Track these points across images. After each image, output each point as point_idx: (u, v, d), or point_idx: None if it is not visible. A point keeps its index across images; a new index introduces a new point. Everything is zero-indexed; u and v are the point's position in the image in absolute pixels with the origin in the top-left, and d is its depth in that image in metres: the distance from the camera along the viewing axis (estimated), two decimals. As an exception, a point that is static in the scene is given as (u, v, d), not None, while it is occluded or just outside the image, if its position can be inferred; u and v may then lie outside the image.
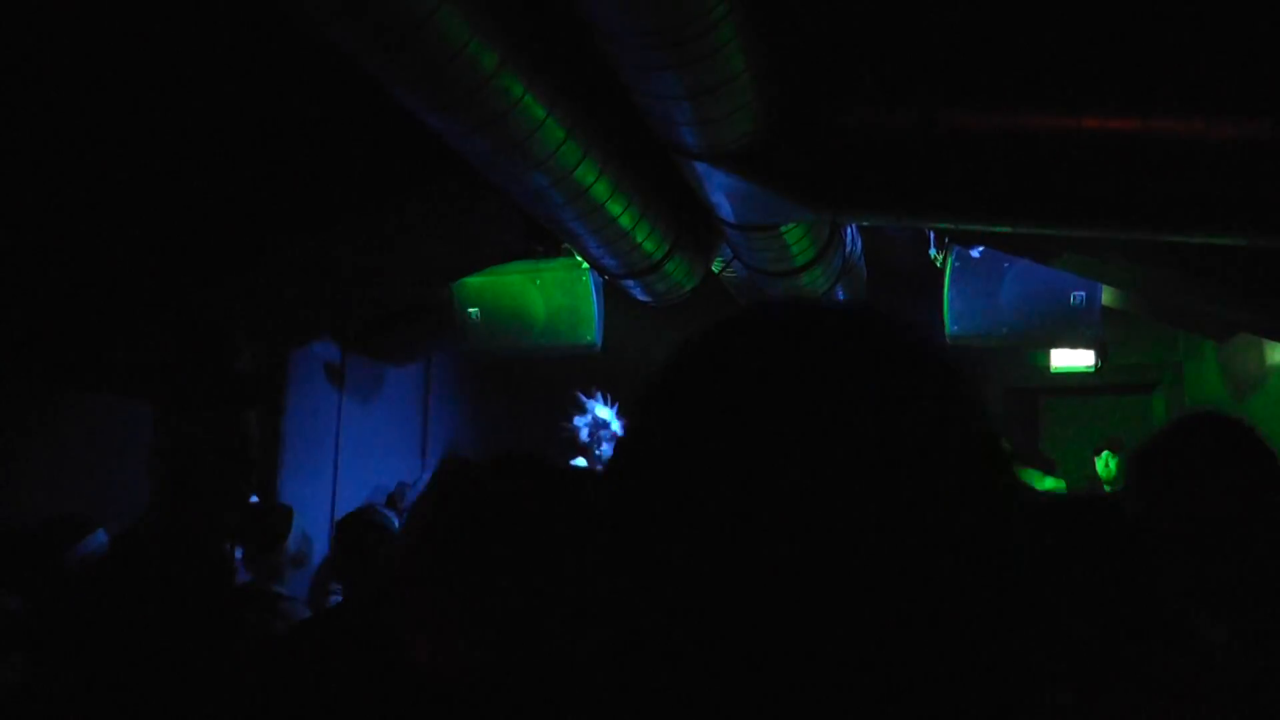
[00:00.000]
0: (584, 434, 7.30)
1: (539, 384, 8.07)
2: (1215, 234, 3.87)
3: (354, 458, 7.70)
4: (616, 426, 7.32)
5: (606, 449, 7.17)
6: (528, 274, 7.15)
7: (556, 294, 7.14)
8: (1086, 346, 7.10)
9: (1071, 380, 8.22)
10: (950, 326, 6.59)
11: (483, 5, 3.42)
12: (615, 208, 4.75)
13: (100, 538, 4.43)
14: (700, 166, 4.14)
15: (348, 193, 5.16)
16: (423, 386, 8.61)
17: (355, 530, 4.33)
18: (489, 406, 9.15)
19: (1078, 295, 6.24)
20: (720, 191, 4.33)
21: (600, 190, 4.56)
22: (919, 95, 3.87)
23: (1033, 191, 3.92)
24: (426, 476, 8.07)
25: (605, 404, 7.38)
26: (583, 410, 7.35)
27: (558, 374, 8.05)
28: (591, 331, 7.10)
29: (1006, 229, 4.26)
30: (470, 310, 7.37)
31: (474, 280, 7.26)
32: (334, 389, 7.66)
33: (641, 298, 5.97)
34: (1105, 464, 7.48)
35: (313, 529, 6.83)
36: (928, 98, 3.85)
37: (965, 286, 6.49)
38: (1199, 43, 3.51)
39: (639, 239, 5.10)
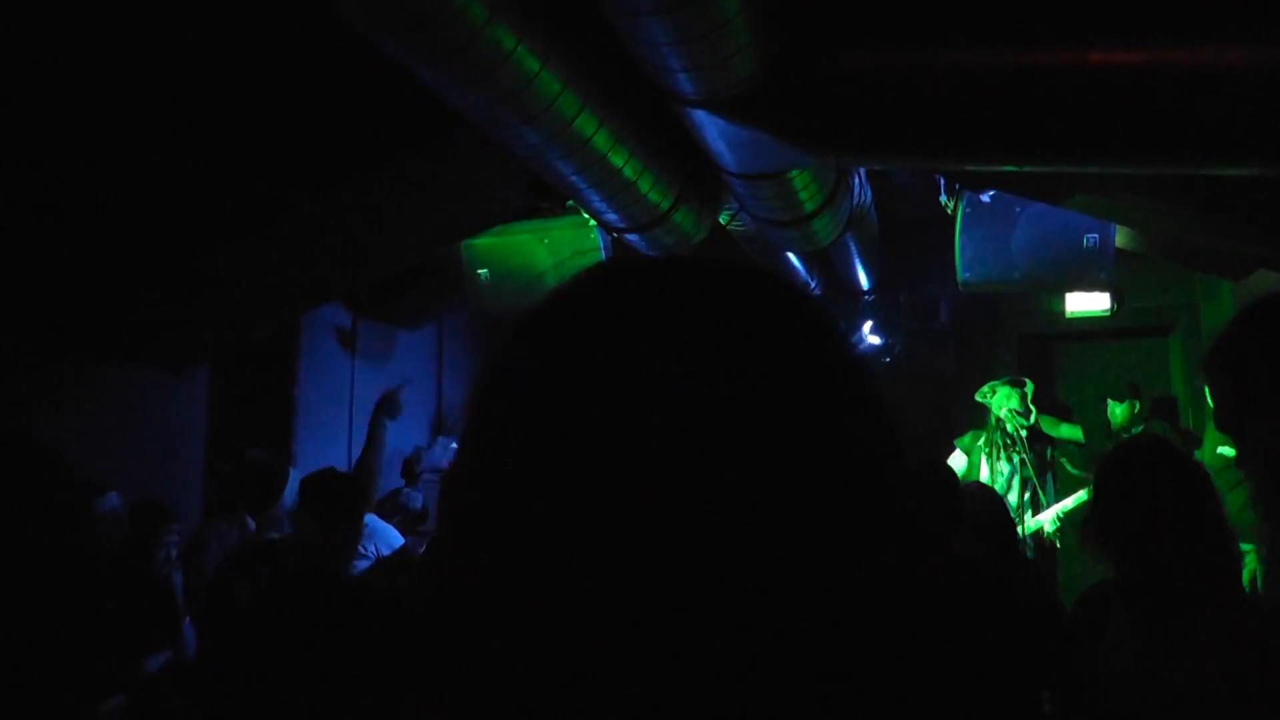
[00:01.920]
0: None
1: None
2: (1230, 165, 3.80)
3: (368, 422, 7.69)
4: None
5: None
6: (535, 233, 7.10)
7: (565, 251, 7.09)
8: (1101, 289, 7.03)
9: (1087, 325, 8.15)
10: (962, 273, 6.53)
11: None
12: (617, 159, 4.69)
13: (112, 500, 4.50)
14: (699, 114, 4.08)
15: (348, 156, 5.13)
16: (435, 349, 8.60)
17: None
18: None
19: (1091, 238, 6.16)
20: (721, 139, 4.27)
21: (601, 142, 4.50)
22: (919, 35, 3.80)
23: (1039, 128, 3.85)
24: (442, 442, 8.08)
25: None
26: None
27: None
28: (600, 288, 7.05)
29: (1013, 168, 4.20)
30: (479, 271, 7.33)
31: (481, 241, 7.22)
32: (346, 353, 7.66)
33: (648, 253, 5.92)
34: (1130, 409, 7.42)
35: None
36: (928, 38, 3.78)
37: (977, 232, 6.41)
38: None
39: (643, 190, 5.04)
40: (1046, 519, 6.83)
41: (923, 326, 8.69)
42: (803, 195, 5.11)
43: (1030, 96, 3.78)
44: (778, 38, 3.78)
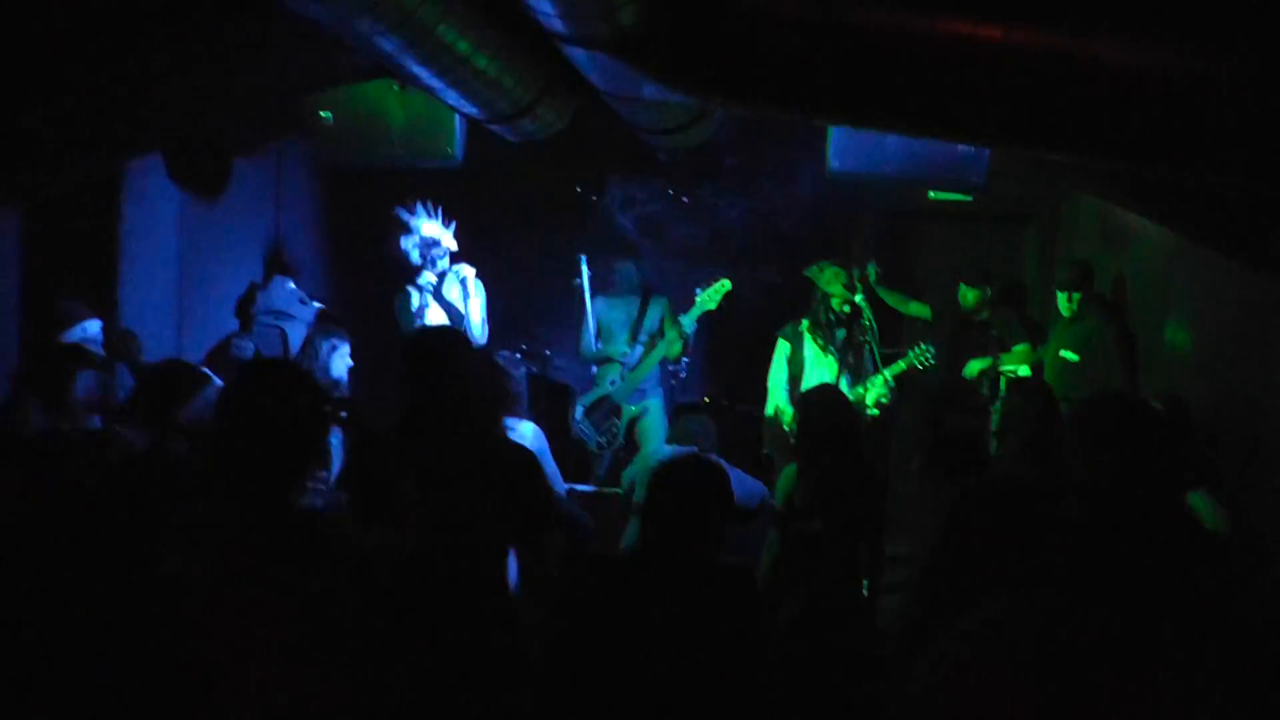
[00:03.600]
0: (414, 257, 6.75)
1: (397, 197, 7.51)
2: (1114, 157, 3.65)
3: (199, 262, 7.21)
4: (449, 241, 6.79)
5: (439, 269, 6.79)
6: (386, 80, 6.56)
7: (417, 103, 6.59)
8: (968, 194, 6.90)
9: (948, 207, 8.07)
10: (831, 161, 6.29)
11: None
12: (481, 60, 4.29)
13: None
14: (578, 52, 3.72)
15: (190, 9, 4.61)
16: (273, 189, 8.04)
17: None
18: (344, 215, 8.63)
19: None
20: (598, 72, 3.92)
21: (463, 46, 4.09)
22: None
23: (928, 97, 3.61)
24: (278, 281, 7.65)
25: (430, 215, 6.80)
26: (406, 229, 6.79)
27: (417, 187, 7.54)
28: (453, 144, 6.60)
29: (900, 132, 3.97)
30: (322, 113, 6.77)
31: (329, 80, 6.64)
32: (174, 185, 7.08)
33: (511, 139, 5.54)
34: (980, 294, 7.46)
35: (155, 341, 6.47)
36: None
37: (852, 124, 6.15)
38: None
39: (507, 85, 4.66)
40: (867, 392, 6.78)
41: (782, 190, 8.43)
42: (678, 109, 4.81)
43: (923, 62, 3.52)
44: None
